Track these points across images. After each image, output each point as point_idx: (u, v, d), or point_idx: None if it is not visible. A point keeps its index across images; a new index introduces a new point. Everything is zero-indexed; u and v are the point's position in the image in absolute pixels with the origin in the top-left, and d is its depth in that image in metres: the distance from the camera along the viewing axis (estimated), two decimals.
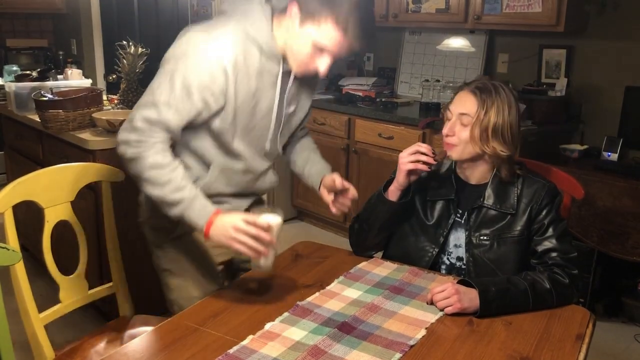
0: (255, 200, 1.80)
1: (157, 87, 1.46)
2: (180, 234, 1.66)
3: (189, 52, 1.45)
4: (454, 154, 1.63)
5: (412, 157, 1.61)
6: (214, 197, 1.59)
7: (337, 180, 1.70)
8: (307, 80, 1.68)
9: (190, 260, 1.67)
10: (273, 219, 1.43)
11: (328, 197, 1.72)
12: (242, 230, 1.38)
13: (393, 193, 1.68)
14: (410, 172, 1.63)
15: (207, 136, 1.57)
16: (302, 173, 1.83)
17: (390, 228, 1.75)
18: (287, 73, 1.58)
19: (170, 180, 1.44)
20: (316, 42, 1.46)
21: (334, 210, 1.72)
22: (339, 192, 1.71)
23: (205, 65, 1.44)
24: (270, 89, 1.57)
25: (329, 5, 1.42)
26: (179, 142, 1.58)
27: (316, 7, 1.43)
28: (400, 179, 1.65)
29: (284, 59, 1.54)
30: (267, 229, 1.40)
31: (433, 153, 1.61)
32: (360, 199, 1.73)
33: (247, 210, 1.74)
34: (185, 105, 1.44)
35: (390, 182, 1.70)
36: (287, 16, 1.48)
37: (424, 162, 1.61)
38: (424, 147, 1.62)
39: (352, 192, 1.70)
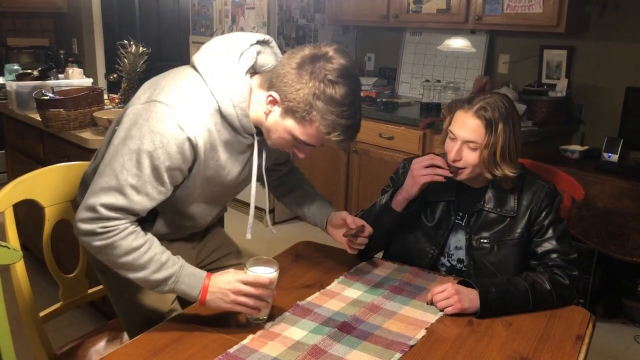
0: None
1: (120, 168, 1.27)
2: None
3: (157, 130, 1.27)
4: (462, 176, 1.61)
5: (428, 171, 1.58)
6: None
7: (349, 219, 1.58)
8: None
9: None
10: (272, 272, 1.37)
11: (341, 238, 1.61)
12: (243, 292, 1.31)
13: (400, 203, 1.66)
14: (423, 185, 1.61)
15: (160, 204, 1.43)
16: (302, 213, 1.73)
17: (393, 234, 1.75)
18: (260, 142, 1.46)
19: (151, 260, 1.31)
20: (298, 137, 1.34)
21: (350, 251, 1.61)
22: (354, 235, 1.58)
23: (176, 148, 1.28)
24: (240, 156, 1.46)
25: (314, 106, 1.27)
26: None
27: (299, 108, 1.29)
28: (413, 191, 1.62)
29: (258, 131, 1.43)
30: (269, 284, 1.33)
31: (448, 165, 1.58)
32: (360, 199, 1.72)
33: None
34: (154, 189, 1.30)
35: (395, 190, 1.68)
36: (267, 100, 1.34)
37: (440, 174, 1.58)
38: (439, 161, 1.58)
39: (368, 228, 1.57)
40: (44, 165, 2.11)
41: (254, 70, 1.41)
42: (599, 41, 3.23)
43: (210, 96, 1.33)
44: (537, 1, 3.07)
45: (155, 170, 1.28)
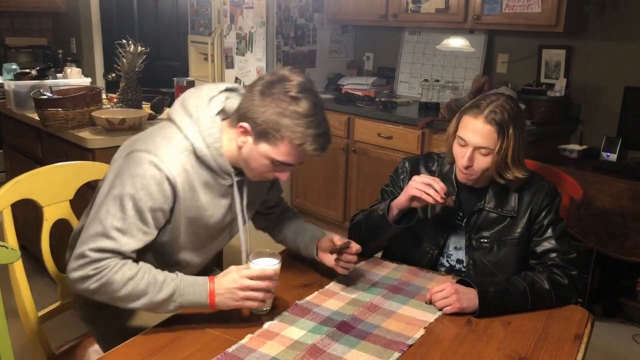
0: None
1: (105, 215, 1.33)
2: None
3: (137, 174, 1.34)
4: (472, 181, 1.61)
5: (421, 186, 1.56)
6: None
7: (336, 237, 1.58)
8: None
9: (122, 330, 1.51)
10: (275, 263, 1.39)
11: (330, 261, 1.57)
12: (250, 287, 1.32)
13: (392, 210, 1.65)
14: (412, 198, 1.60)
15: (148, 251, 1.45)
16: (297, 247, 1.70)
17: (391, 241, 1.75)
18: (240, 182, 1.49)
19: (149, 283, 1.33)
20: (274, 160, 1.37)
21: (339, 271, 1.57)
22: (339, 251, 1.56)
23: (155, 187, 1.33)
24: (221, 199, 1.48)
25: (281, 124, 1.32)
26: None
27: (268, 126, 1.33)
28: (401, 199, 1.62)
29: (237, 171, 1.46)
30: (274, 275, 1.36)
31: (445, 194, 1.56)
32: (359, 198, 1.72)
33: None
34: (139, 230, 1.34)
35: (392, 200, 1.67)
36: (239, 132, 1.38)
37: (430, 195, 1.55)
38: (438, 186, 1.56)
39: (355, 246, 1.55)
40: (42, 164, 2.11)
41: (225, 115, 1.45)
42: (597, 41, 3.23)
43: (185, 140, 1.39)
44: (535, 1, 3.07)
45: (139, 212, 1.34)
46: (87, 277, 1.31)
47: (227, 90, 1.50)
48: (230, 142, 1.42)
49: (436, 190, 1.55)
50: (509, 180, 1.60)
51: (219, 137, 1.41)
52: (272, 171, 1.42)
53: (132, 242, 1.34)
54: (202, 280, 1.36)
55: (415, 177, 1.61)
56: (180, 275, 1.37)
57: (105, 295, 1.33)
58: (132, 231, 1.34)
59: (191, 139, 1.39)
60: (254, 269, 1.36)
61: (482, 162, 1.56)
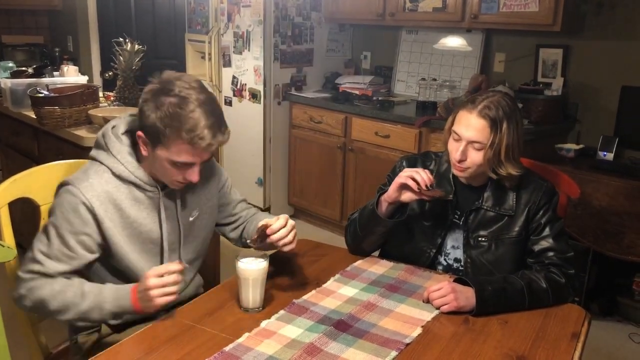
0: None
1: (35, 242, 1.43)
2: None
3: (59, 203, 1.43)
4: (466, 174, 1.62)
5: (409, 173, 1.57)
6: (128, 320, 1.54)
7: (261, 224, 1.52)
8: (203, 182, 1.60)
9: None
10: (259, 263, 1.40)
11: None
12: (156, 285, 1.34)
13: (382, 205, 1.66)
14: (401, 187, 1.60)
15: (108, 274, 1.53)
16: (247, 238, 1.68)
17: (385, 238, 1.75)
18: (169, 193, 1.53)
19: (75, 295, 1.39)
20: (173, 161, 1.41)
21: (286, 249, 1.53)
22: (262, 240, 1.53)
23: (72, 212, 1.40)
24: (153, 211, 1.52)
25: (169, 124, 1.36)
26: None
27: (157, 132, 1.38)
28: (390, 191, 1.62)
29: (158, 183, 1.51)
30: (179, 269, 1.38)
31: (431, 186, 1.57)
32: (356, 197, 1.72)
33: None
34: (65, 254, 1.41)
35: (380, 194, 1.67)
36: (140, 146, 1.45)
37: (416, 182, 1.56)
38: (426, 176, 1.56)
39: (273, 223, 1.50)
40: (38, 163, 2.10)
41: (130, 137, 1.51)
42: (594, 40, 3.23)
43: (100, 165, 1.48)
44: (533, 0, 3.07)
45: (60, 237, 1.41)
46: (22, 297, 1.42)
47: (132, 115, 1.56)
48: (144, 158, 1.48)
49: (423, 178, 1.56)
50: (502, 176, 1.60)
51: (131, 153, 1.49)
52: (180, 174, 1.45)
53: (58, 266, 1.41)
54: (125, 286, 1.42)
55: (405, 169, 1.62)
56: (110, 284, 1.45)
57: (41, 310, 1.43)
58: (57, 255, 1.41)
59: (106, 163, 1.47)
60: (171, 266, 1.37)
61: (475, 156, 1.57)
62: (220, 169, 1.74)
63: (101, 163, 1.48)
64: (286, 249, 1.52)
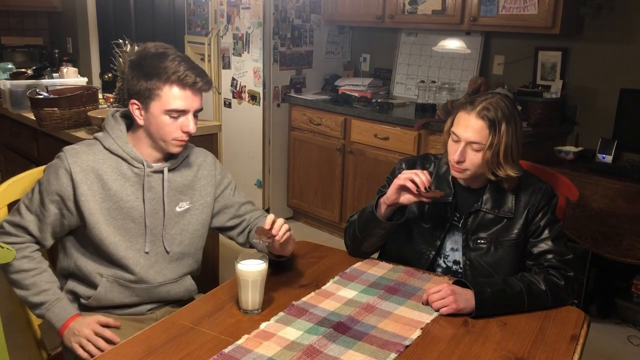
0: (166, 303, 1.70)
1: (24, 197, 1.55)
2: None
3: (48, 166, 1.55)
4: (464, 176, 1.62)
5: (408, 175, 1.57)
6: (113, 307, 1.60)
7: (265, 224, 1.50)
8: (201, 177, 1.67)
9: None
10: (259, 265, 1.40)
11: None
12: (88, 337, 1.48)
13: (381, 207, 1.65)
14: (400, 189, 1.59)
15: (86, 247, 1.58)
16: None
17: (385, 240, 1.75)
18: (157, 172, 1.58)
19: (34, 284, 1.51)
20: (168, 110, 1.49)
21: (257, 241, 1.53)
22: (268, 240, 1.50)
23: (53, 174, 1.51)
24: (138, 189, 1.57)
25: (154, 76, 1.47)
26: (66, 253, 1.61)
27: (146, 86, 1.48)
28: (389, 193, 1.62)
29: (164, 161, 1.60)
30: (115, 325, 1.53)
31: (429, 187, 1.57)
32: (355, 199, 1.72)
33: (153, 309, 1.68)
34: (40, 210, 1.51)
35: (380, 196, 1.67)
36: (134, 111, 1.53)
37: (415, 184, 1.56)
38: (424, 177, 1.56)
39: (272, 222, 1.49)
40: (38, 164, 2.10)
41: (126, 121, 1.61)
42: (593, 43, 3.24)
43: (95, 141, 1.58)
44: (532, 2, 3.08)
45: (41, 194, 1.51)
46: None
47: None
48: (137, 134, 1.57)
49: (422, 180, 1.56)
50: (501, 178, 1.60)
51: (123, 131, 1.57)
52: (178, 128, 1.52)
53: (35, 221, 1.52)
54: (72, 310, 1.52)
55: (403, 171, 1.62)
56: (62, 296, 1.53)
57: (3, 270, 1.52)
58: (36, 209, 1.51)
59: (99, 138, 1.57)
60: (111, 321, 1.54)
61: (474, 157, 1.57)
62: (224, 171, 1.77)
63: (96, 139, 1.58)
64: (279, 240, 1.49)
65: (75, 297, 1.61)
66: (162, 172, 1.58)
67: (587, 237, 2.81)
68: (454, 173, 1.64)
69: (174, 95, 1.48)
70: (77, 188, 1.49)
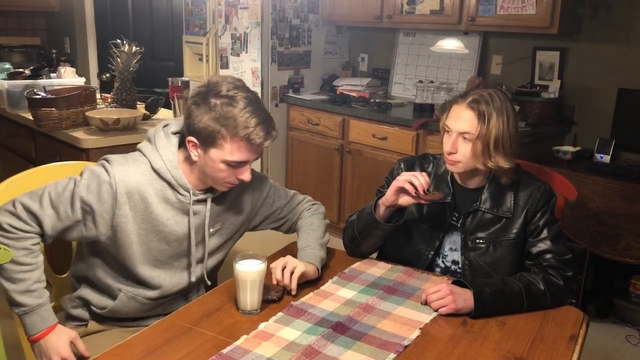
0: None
1: (51, 185, 1.46)
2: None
3: (91, 171, 1.47)
4: (457, 169, 1.62)
5: (407, 177, 1.58)
6: (126, 320, 1.59)
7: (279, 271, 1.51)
8: (237, 195, 1.64)
9: None
10: (258, 265, 1.40)
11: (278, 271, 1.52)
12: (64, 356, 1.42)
13: (380, 208, 1.66)
14: (398, 191, 1.60)
15: (110, 263, 1.55)
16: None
17: (384, 241, 1.75)
18: (200, 201, 1.55)
19: (23, 280, 1.42)
20: (227, 161, 1.44)
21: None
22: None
23: (96, 186, 1.44)
24: (184, 216, 1.53)
25: (221, 124, 1.40)
26: (86, 262, 1.57)
27: (210, 131, 1.41)
28: (387, 195, 1.62)
29: (206, 192, 1.55)
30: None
31: (428, 190, 1.58)
32: (353, 199, 1.72)
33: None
34: (65, 210, 1.43)
35: (379, 197, 1.67)
36: (189, 148, 1.48)
37: (414, 186, 1.56)
38: (423, 179, 1.57)
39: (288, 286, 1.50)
40: (35, 164, 2.10)
41: (179, 140, 1.54)
42: (591, 43, 3.24)
43: (143, 157, 1.51)
44: (530, 3, 3.08)
45: (72, 196, 1.43)
46: (0, 227, 1.41)
47: None
48: (188, 161, 1.51)
49: (421, 183, 1.56)
50: (494, 171, 1.61)
51: (175, 153, 1.51)
52: (233, 174, 1.48)
53: (54, 217, 1.43)
54: (50, 320, 1.44)
55: (403, 173, 1.62)
56: (46, 302, 1.44)
57: None
58: (59, 208, 1.43)
59: (148, 156, 1.50)
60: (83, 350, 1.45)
61: (465, 148, 1.58)
62: (262, 184, 1.72)
63: (143, 155, 1.51)
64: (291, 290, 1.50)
65: (85, 303, 1.59)
66: (205, 201, 1.55)
67: (585, 236, 2.82)
68: (447, 166, 1.65)
69: (238, 150, 1.43)
70: (118, 209, 1.45)
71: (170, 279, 1.59)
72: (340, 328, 1.34)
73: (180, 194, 1.51)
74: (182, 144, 1.53)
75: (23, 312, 1.42)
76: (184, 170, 1.51)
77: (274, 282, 1.51)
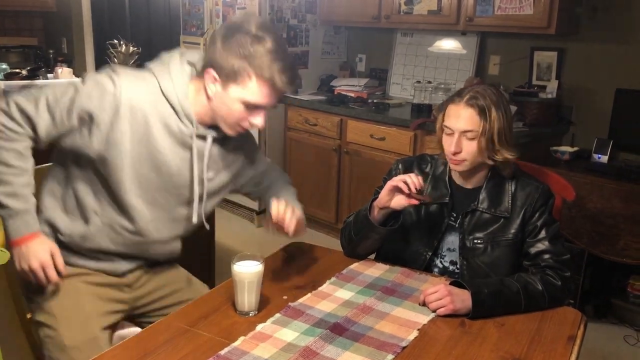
0: (145, 264, 1.64)
1: (50, 88, 1.40)
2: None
3: (94, 79, 1.42)
4: (463, 167, 1.62)
5: (402, 177, 1.57)
6: (93, 251, 1.53)
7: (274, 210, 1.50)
8: (234, 147, 1.59)
9: (61, 310, 1.51)
10: (255, 266, 1.39)
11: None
12: (45, 267, 1.41)
13: (374, 210, 1.65)
14: (392, 190, 1.58)
15: (93, 182, 1.48)
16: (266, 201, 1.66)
17: (381, 243, 1.74)
18: (201, 137, 1.49)
19: (10, 182, 1.39)
20: (247, 101, 1.40)
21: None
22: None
23: (98, 93, 1.39)
24: (180, 148, 1.48)
25: (248, 62, 1.36)
26: (65, 178, 1.51)
27: (235, 67, 1.37)
28: (381, 195, 1.61)
29: (202, 123, 1.48)
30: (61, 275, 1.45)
31: (421, 191, 1.57)
32: (351, 199, 1.71)
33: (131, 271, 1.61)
34: (60, 116, 1.39)
35: (373, 200, 1.67)
36: (207, 81, 1.42)
37: (408, 185, 1.55)
38: (417, 180, 1.56)
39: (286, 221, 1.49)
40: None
41: (194, 69, 1.48)
42: (589, 43, 3.25)
43: (153, 77, 1.45)
44: (528, 3, 3.08)
45: (71, 102, 1.38)
46: None
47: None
48: (198, 94, 1.45)
49: (413, 182, 1.55)
50: (499, 163, 1.61)
51: (186, 82, 1.45)
52: (246, 117, 1.43)
53: (48, 122, 1.39)
54: (34, 226, 1.42)
55: (398, 175, 1.61)
56: (31, 208, 1.42)
57: None
58: (55, 113, 1.39)
59: (158, 77, 1.44)
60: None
61: (470, 146, 1.58)
62: (255, 144, 1.72)
63: (153, 75, 1.45)
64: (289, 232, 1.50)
65: (52, 230, 1.52)
66: (205, 138, 1.49)
67: (583, 237, 2.82)
68: (452, 166, 1.64)
69: (260, 91, 1.39)
70: (117, 123, 1.39)
71: (151, 215, 1.52)
72: (338, 329, 1.34)
73: (183, 123, 1.45)
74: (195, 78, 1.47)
75: (7, 214, 1.39)
76: (193, 102, 1.45)
77: (273, 219, 1.49)
